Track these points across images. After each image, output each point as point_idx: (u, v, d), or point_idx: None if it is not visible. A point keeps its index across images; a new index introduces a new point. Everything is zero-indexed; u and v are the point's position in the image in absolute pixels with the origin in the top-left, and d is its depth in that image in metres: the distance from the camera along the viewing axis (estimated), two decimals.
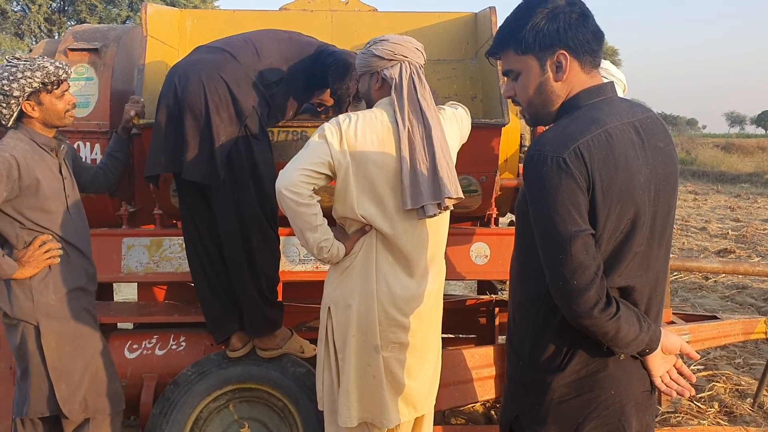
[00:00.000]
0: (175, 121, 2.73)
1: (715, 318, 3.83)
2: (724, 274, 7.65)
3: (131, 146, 3.08)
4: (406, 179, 2.42)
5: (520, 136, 3.37)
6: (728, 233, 11.41)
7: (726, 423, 4.05)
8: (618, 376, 1.65)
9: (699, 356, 1.82)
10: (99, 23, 21.22)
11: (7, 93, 2.55)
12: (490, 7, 3.37)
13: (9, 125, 2.62)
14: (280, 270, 3.03)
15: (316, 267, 3.22)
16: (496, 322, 3.96)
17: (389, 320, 2.50)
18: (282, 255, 3.11)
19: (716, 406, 4.27)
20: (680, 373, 1.70)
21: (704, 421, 4.04)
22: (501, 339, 4.06)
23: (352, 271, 2.51)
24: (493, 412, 4.16)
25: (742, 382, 4.67)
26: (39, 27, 24.00)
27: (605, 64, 2.71)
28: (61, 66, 2.63)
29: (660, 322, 1.73)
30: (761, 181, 22.04)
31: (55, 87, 2.62)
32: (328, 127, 2.43)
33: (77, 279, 2.73)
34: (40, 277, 2.62)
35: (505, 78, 1.77)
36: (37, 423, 2.71)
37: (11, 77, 2.55)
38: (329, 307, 2.55)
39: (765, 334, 3.79)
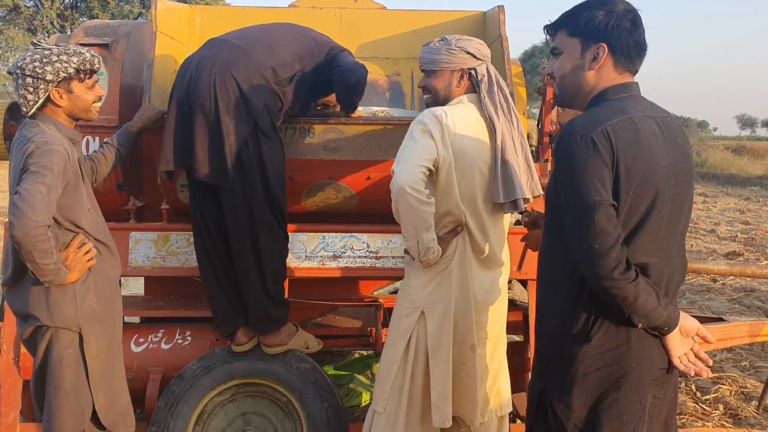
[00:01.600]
0: (186, 118, 2.74)
1: (721, 320, 3.81)
2: (732, 277, 7.62)
3: (139, 141, 3.10)
4: (500, 173, 2.46)
5: (528, 136, 3.37)
6: (737, 236, 11.35)
7: (731, 425, 4.04)
8: (639, 351, 1.77)
9: (715, 340, 1.94)
10: (111, 19, 21.31)
11: (39, 76, 2.35)
12: (498, 6, 3.38)
13: (30, 113, 2.41)
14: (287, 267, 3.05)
15: (322, 264, 3.23)
16: None
17: (480, 317, 2.56)
18: (288, 252, 3.13)
19: (721, 408, 4.25)
20: (697, 357, 1.82)
21: (709, 423, 4.03)
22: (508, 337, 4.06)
23: (450, 274, 2.52)
24: None
25: (748, 385, 4.65)
26: (51, 23, 24.13)
27: None
28: (96, 55, 2.47)
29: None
30: None
31: (87, 76, 2.45)
32: (430, 122, 2.42)
33: (113, 279, 2.61)
34: (81, 279, 2.43)
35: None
36: None
37: (45, 60, 2.36)
38: (422, 311, 2.53)
39: None
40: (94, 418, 2.50)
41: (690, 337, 1.81)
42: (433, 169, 2.41)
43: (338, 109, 3.20)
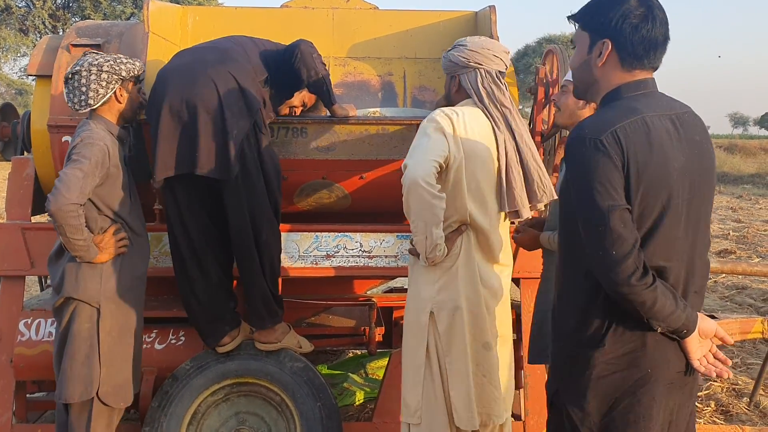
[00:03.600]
0: (185, 122, 2.75)
1: (713, 317, 3.83)
2: (723, 275, 7.66)
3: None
4: (503, 182, 2.48)
5: None
6: (729, 234, 11.41)
7: (722, 422, 4.06)
8: (655, 356, 1.74)
9: (732, 341, 1.91)
10: (103, 19, 21.25)
11: (116, 72, 2.70)
12: (489, 6, 3.39)
13: (95, 106, 2.70)
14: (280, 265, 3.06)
15: (315, 263, 3.24)
16: None
17: (491, 315, 2.55)
18: (282, 251, 3.13)
19: (713, 405, 4.28)
20: (716, 358, 1.78)
21: (701, 420, 4.05)
22: None
23: (456, 272, 2.50)
24: None
25: (739, 382, 4.68)
26: (43, 23, 24.02)
27: None
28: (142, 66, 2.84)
29: (698, 310, 1.80)
30: (763, 183, 22.02)
31: (138, 82, 2.83)
32: (443, 120, 2.41)
33: (140, 267, 2.86)
34: (110, 262, 2.72)
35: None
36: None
37: (117, 60, 2.72)
38: (431, 312, 2.50)
39: (762, 334, 3.79)
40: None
41: (708, 338, 1.77)
42: (444, 165, 2.39)
43: (298, 109, 3.21)
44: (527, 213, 2.53)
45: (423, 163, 2.32)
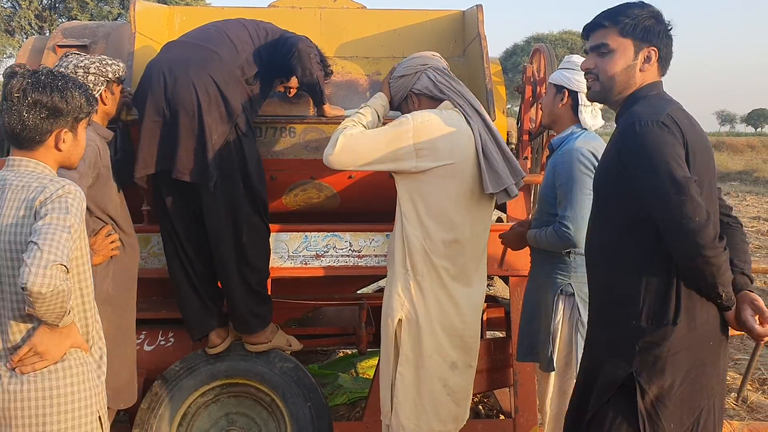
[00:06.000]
0: (167, 121, 2.74)
1: None
2: None
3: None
4: (484, 166, 2.44)
5: (507, 134, 3.40)
6: None
7: None
8: (715, 329, 1.90)
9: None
10: (90, 20, 21.09)
11: (103, 74, 2.67)
12: (477, 5, 3.39)
13: None
14: (269, 266, 3.05)
15: (305, 263, 3.23)
16: (484, 317, 3.98)
17: (467, 337, 2.53)
18: (271, 251, 3.13)
19: None
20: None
21: None
22: (489, 334, 4.09)
23: (420, 286, 2.47)
24: (480, 407, 4.19)
25: (727, 377, 4.70)
26: (29, 23, 23.83)
27: (577, 59, 2.73)
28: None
29: None
30: (750, 179, 22.20)
31: (121, 82, 2.79)
32: (412, 128, 2.42)
33: (131, 267, 2.84)
34: (103, 265, 2.68)
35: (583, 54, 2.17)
36: None
37: (103, 62, 2.69)
38: (400, 320, 2.49)
39: None
40: None
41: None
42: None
43: (293, 90, 3.19)
44: (515, 190, 2.48)
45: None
